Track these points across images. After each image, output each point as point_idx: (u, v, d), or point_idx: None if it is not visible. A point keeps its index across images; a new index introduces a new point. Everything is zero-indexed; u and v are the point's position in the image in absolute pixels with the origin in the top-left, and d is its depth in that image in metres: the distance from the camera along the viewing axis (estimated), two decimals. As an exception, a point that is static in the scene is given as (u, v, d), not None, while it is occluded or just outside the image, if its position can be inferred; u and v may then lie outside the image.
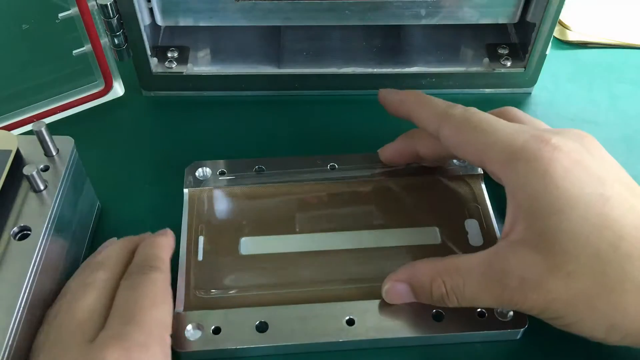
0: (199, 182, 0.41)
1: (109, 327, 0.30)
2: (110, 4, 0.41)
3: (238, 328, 0.34)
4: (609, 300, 0.29)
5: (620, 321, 0.29)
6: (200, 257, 0.37)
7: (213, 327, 0.34)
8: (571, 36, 0.52)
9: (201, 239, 0.38)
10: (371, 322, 0.34)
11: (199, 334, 0.34)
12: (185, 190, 0.40)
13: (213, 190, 0.40)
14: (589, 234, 0.29)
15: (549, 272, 0.30)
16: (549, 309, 0.30)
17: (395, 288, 0.34)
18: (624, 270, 0.29)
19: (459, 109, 0.35)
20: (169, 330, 0.31)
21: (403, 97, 0.38)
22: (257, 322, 0.34)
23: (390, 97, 0.39)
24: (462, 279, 0.32)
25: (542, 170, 0.31)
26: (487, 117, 0.34)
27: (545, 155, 0.31)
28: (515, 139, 0.32)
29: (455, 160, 0.42)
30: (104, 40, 0.44)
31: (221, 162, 0.42)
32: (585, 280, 0.29)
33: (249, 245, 0.38)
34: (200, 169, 0.41)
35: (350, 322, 0.34)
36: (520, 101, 0.48)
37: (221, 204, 0.40)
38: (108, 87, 0.46)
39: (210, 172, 0.41)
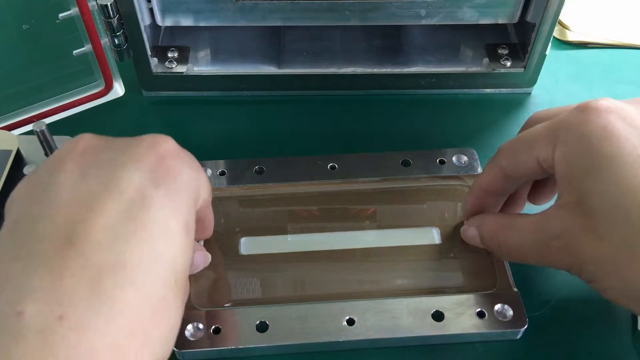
0: (199, 182, 0.41)
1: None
2: (110, 4, 0.41)
3: (238, 328, 0.34)
4: (637, 269, 0.28)
5: None
6: (200, 257, 0.37)
7: (213, 327, 0.34)
8: (571, 36, 0.52)
9: (201, 238, 0.38)
10: (371, 322, 0.34)
11: (199, 334, 0.34)
12: (185, 190, 0.40)
13: (213, 190, 0.40)
14: (620, 195, 0.28)
15: (583, 234, 0.29)
16: (583, 272, 0.30)
17: (468, 230, 0.37)
18: None
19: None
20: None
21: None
22: (257, 321, 0.34)
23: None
24: (515, 236, 0.33)
25: (578, 134, 0.30)
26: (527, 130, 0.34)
27: (582, 118, 0.30)
28: (557, 117, 0.32)
29: (454, 160, 0.42)
30: (104, 40, 0.44)
31: (221, 162, 0.42)
32: (614, 246, 0.28)
33: (249, 245, 0.38)
34: (200, 169, 0.41)
35: (351, 322, 0.34)
36: (520, 101, 0.48)
37: (221, 205, 0.40)
38: (108, 87, 0.46)
39: (210, 172, 0.41)
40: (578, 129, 0.30)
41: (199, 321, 0.34)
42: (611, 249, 0.29)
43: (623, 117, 0.30)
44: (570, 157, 0.30)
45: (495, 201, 0.37)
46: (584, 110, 0.31)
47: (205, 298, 0.35)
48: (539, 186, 0.37)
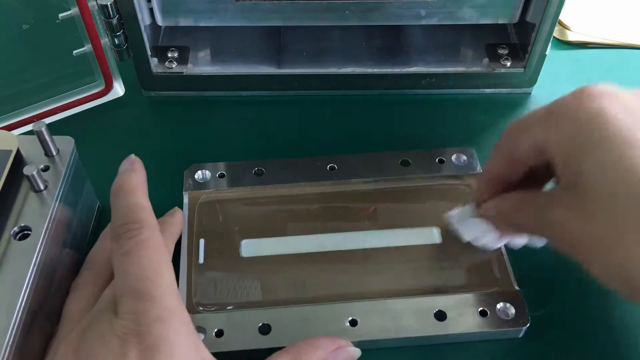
0: (198, 185, 0.41)
1: (123, 302, 0.29)
2: (110, 4, 0.41)
3: (241, 330, 0.34)
4: (622, 250, 0.28)
5: (634, 274, 0.28)
6: (201, 260, 0.37)
7: (215, 330, 0.34)
8: (571, 36, 0.52)
9: (201, 241, 0.38)
10: (374, 322, 0.34)
11: (201, 337, 0.34)
12: (185, 193, 0.40)
13: (212, 193, 0.40)
14: (608, 176, 0.28)
15: (574, 213, 0.29)
16: (572, 252, 0.30)
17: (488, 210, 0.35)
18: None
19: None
20: (177, 293, 0.30)
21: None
22: (260, 324, 0.34)
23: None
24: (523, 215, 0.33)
25: (572, 118, 0.30)
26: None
27: (576, 102, 0.30)
28: (553, 102, 0.32)
29: (454, 160, 0.42)
30: (104, 40, 0.43)
31: (221, 164, 0.42)
32: (600, 227, 0.28)
33: (250, 247, 0.38)
34: (199, 172, 0.41)
35: (353, 323, 0.34)
36: (520, 101, 0.48)
37: (221, 207, 0.40)
38: (108, 87, 0.46)
39: (210, 174, 0.41)
40: (572, 113, 0.30)
41: (201, 324, 0.34)
42: (598, 230, 0.28)
43: (617, 100, 0.30)
44: (564, 141, 0.30)
45: (502, 189, 0.35)
46: (579, 94, 0.31)
47: (207, 301, 0.35)
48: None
